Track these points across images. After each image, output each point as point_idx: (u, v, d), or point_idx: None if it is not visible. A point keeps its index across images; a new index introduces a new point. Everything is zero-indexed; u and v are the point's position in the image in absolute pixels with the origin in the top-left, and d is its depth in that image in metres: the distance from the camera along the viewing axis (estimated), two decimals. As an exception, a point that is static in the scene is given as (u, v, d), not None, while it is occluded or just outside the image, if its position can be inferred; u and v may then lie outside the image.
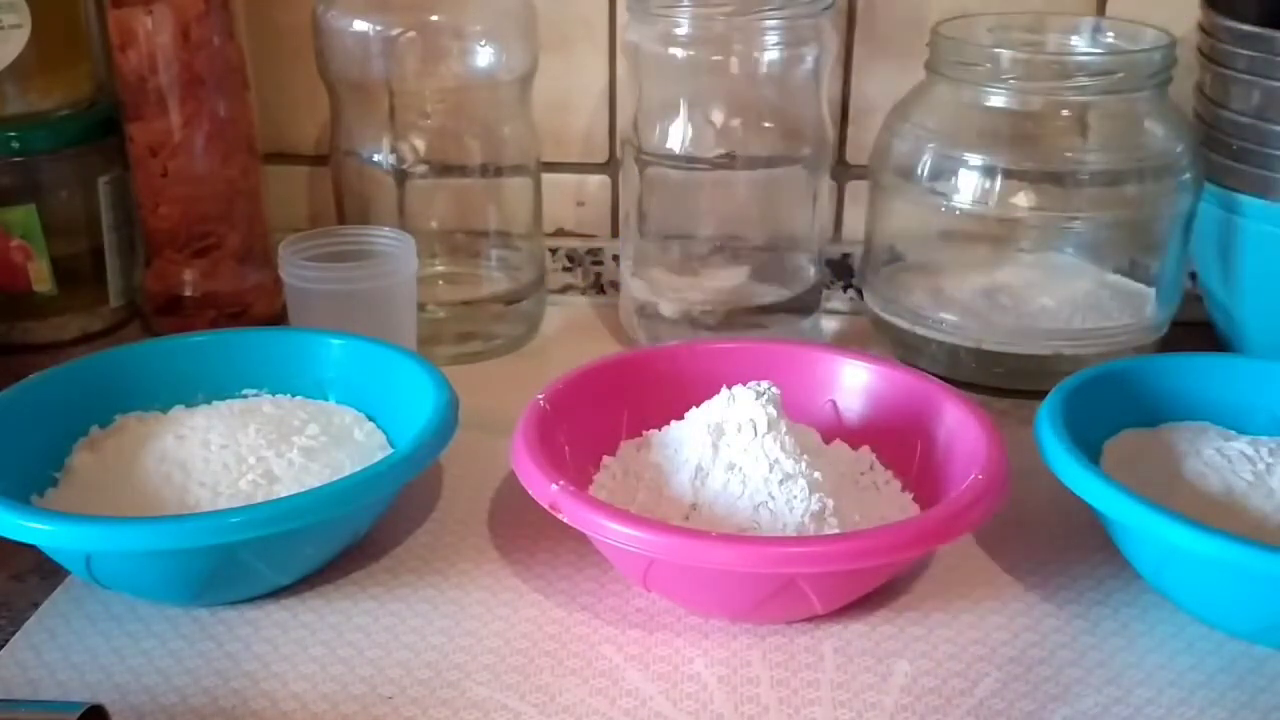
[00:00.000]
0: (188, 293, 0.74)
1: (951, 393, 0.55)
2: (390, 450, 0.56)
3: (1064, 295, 0.68)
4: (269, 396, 0.60)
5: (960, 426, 0.53)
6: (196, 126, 0.70)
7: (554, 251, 0.80)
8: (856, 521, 0.50)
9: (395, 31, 0.67)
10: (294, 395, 0.60)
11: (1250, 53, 0.63)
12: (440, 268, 0.74)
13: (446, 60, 0.68)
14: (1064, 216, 0.65)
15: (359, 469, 0.50)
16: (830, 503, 0.49)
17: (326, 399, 0.60)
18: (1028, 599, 0.51)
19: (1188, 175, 0.65)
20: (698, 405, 0.53)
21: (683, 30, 0.66)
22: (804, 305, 0.72)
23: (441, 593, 0.51)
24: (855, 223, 0.78)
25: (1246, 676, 0.47)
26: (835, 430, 0.58)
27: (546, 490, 0.48)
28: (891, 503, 0.54)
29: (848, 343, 0.74)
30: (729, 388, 0.52)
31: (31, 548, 0.49)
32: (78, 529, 0.46)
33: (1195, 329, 0.72)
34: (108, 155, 0.74)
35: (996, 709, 0.45)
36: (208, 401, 0.59)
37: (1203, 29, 0.66)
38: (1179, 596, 0.50)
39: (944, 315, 0.68)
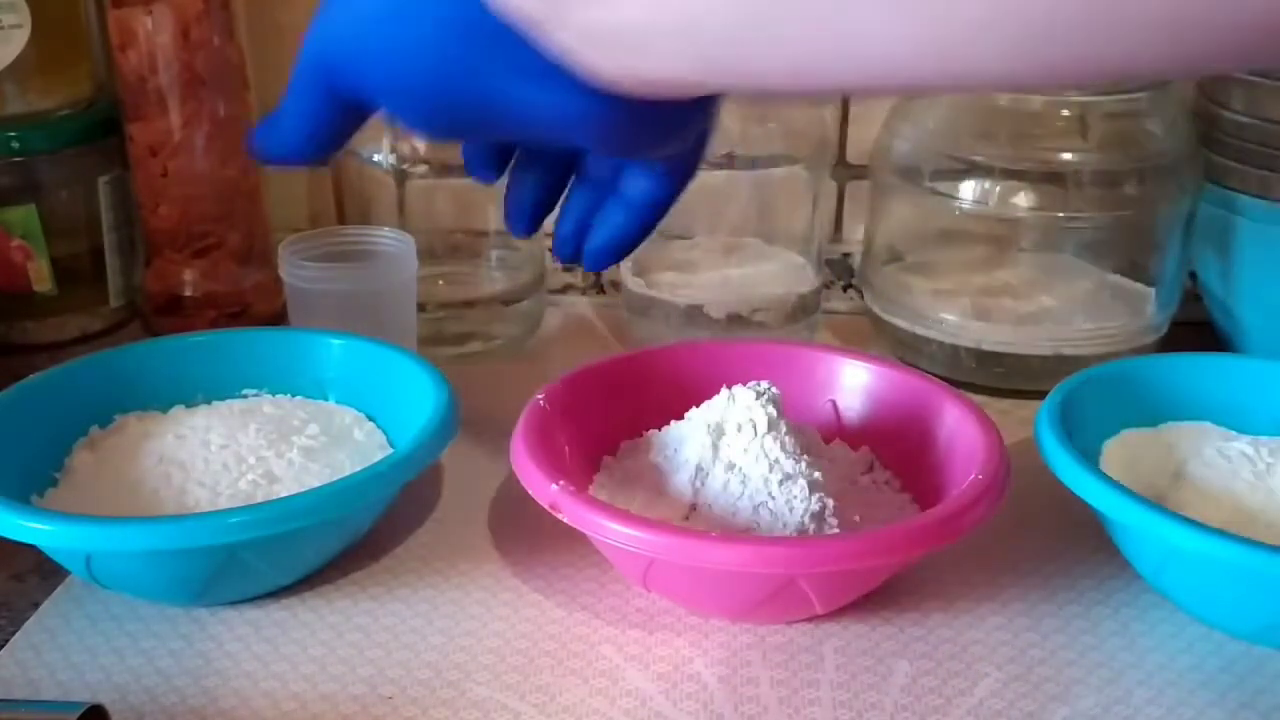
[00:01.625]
0: (188, 293, 0.74)
1: (951, 393, 0.55)
2: (390, 450, 0.56)
3: (1064, 295, 0.68)
4: (269, 396, 0.60)
5: (960, 426, 0.53)
6: (196, 126, 0.70)
7: (554, 251, 0.80)
8: (856, 522, 0.50)
9: (395, 31, 0.66)
10: (294, 395, 0.60)
11: (1250, 53, 0.63)
12: (440, 268, 0.74)
13: (447, 60, 0.68)
14: (1064, 216, 0.65)
15: (359, 469, 0.50)
16: (830, 503, 0.49)
17: (326, 399, 0.60)
18: (1028, 599, 0.51)
19: (1188, 175, 0.65)
20: (698, 405, 0.53)
21: (683, 30, 0.66)
22: (804, 305, 0.72)
23: (441, 593, 0.51)
24: (855, 223, 0.78)
25: (1246, 676, 0.47)
26: (835, 430, 0.58)
27: (546, 490, 0.48)
28: (891, 503, 0.54)
29: (848, 343, 0.74)
30: (729, 388, 0.52)
31: (31, 548, 0.49)
32: (78, 529, 0.46)
33: (1195, 329, 0.72)
34: (108, 155, 0.74)
35: (996, 709, 0.45)
36: (208, 401, 0.59)
37: (1203, 29, 0.66)
38: (1179, 596, 0.50)
39: (944, 315, 0.68)
